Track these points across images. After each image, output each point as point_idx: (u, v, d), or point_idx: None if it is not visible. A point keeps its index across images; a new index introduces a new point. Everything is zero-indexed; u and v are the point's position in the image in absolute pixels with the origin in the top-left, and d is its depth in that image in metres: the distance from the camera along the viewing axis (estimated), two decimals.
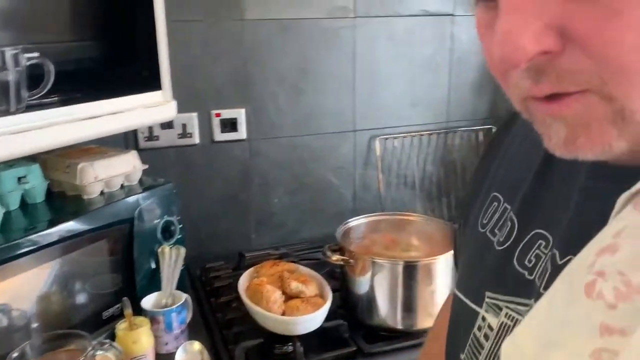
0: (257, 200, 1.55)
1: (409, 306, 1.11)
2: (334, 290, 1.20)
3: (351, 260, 1.12)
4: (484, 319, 0.49)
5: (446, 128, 1.71)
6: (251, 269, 1.20)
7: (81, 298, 1.03)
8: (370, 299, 1.12)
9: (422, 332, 1.11)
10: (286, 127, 1.53)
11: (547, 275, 0.43)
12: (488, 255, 0.51)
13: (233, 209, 1.53)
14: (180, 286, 1.16)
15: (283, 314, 1.07)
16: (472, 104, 1.71)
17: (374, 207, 1.64)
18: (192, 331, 1.12)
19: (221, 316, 1.18)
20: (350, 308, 1.17)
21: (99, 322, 1.05)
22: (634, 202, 0.33)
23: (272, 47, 1.45)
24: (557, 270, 0.40)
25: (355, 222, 1.25)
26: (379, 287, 1.11)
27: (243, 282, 1.15)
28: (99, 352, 0.90)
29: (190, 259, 1.46)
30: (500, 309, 0.47)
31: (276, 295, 1.07)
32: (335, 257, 1.13)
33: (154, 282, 1.13)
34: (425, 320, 1.11)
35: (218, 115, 1.45)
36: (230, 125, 1.46)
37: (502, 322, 0.46)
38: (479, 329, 0.49)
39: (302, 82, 1.51)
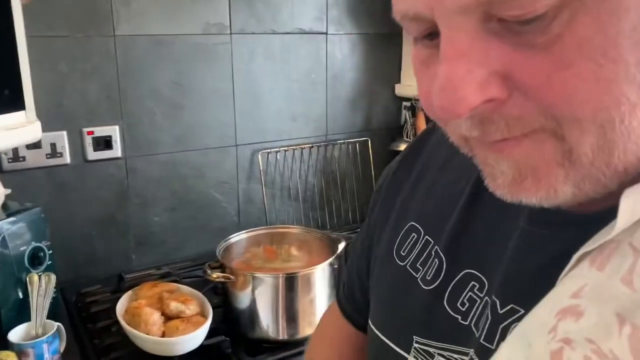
0: (136, 219, 1.51)
1: (291, 316, 1.14)
2: (217, 307, 1.21)
3: (232, 277, 1.13)
4: None
5: (325, 141, 1.77)
6: (130, 292, 1.17)
7: None
8: (252, 313, 1.14)
9: (304, 340, 1.15)
10: (164, 144, 1.51)
11: (487, 325, 0.40)
12: (413, 294, 0.47)
13: (111, 229, 1.48)
14: (54, 314, 1.11)
15: (163, 335, 1.05)
16: (349, 118, 1.79)
17: (258, 221, 1.67)
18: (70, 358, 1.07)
19: (99, 342, 1.13)
20: (232, 323, 1.18)
21: None
22: (589, 259, 0.31)
23: (146, 63, 1.43)
24: (498, 320, 0.39)
25: (236, 237, 1.26)
26: (260, 300, 1.13)
27: (121, 305, 1.12)
28: None
29: (66, 284, 1.41)
30: (433, 356, 0.44)
31: (155, 317, 1.06)
32: (215, 275, 1.13)
33: (23, 313, 1.06)
34: (306, 329, 1.15)
35: (90, 133, 1.39)
36: (104, 143, 1.42)
37: None
38: None
39: (180, 97, 1.50)
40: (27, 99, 1.05)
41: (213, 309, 1.21)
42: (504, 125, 0.31)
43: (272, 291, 1.12)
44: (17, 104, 1.04)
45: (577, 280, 0.30)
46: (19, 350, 0.99)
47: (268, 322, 1.14)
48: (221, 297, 1.21)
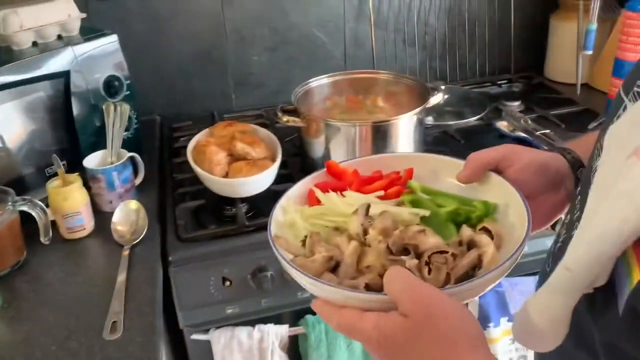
0: (234, 57, 1.43)
1: None
2: (295, 155, 1.13)
3: (302, 122, 1.02)
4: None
5: None
6: (206, 130, 1.12)
7: (22, 154, 1.00)
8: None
9: None
10: None
11: None
12: None
13: (208, 67, 1.43)
14: (135, 145, 1.11)
15: (226, 175, 1.00)
16: None
17: (366, 67, 1.49)
18: (144, 190, 1.09)
19: (177, 176, 1.13)
20: (306, 172, 1.09)
21: (42, 180, 1.02)
22: None
23: None
24: None
25: (317, 82, 1.12)
26: (334, 151, 1.01)
27: (193, 143, 1.08)
28: (21, 208, 0.88)
29: (164, 118, 1.42)
30: None
31: (219, 157, 1.00)
32: (286, 119, 1.03)
33: (101, 141, 1.07)
34: None
35: None
36: None
37: None
38: None
39: None
40: None
41: (291, 156, 1.14)
42: None
43: (346, 142, 0.99)
44: None
45: None
46: (91, 175, 1.01)
47: None
48: (297, 144, 1.12)
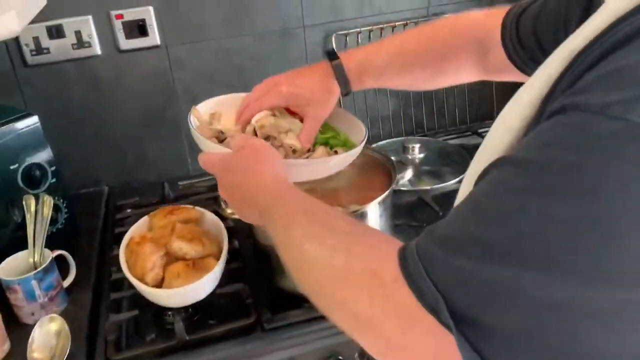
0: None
1: None
2: (249, 236, 0.99)
3: None
4: None
5: (427, 15, 1.35)
6: (145, 219, 0.98)
7: None
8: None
9: None
10: (212, 27, 1.23)
11: None
12: None
13: (158, 129, 1.29)
14: (62, 239, 0.97)
15: (162, 281, 0.86)
16: None
17: None
18: (76, 292, 0.95)
19: (115, 276, 0.98)
20: (259, 267, 0.95)
21: None
22: None
23: None
24: None
25: None
26: None
27: (127, 238, 0.93)
28: None
29: (114, 189, 1.29)
30: None
31: (154, 259, 0.86)
32: (230, 211, 0.89)
33: (25, 238, 0.93)
34: None
35: (119, 17, 1.15)
36: (137, 28, 1.17)
37: None
38: None
39: None
40: None
41: (246, 238, 1.00)
42: None
43: None
44: None
45: None
46: (6, 286, 0.87)
47: None
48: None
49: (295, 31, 1.28)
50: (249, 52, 1.27)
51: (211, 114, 0.87)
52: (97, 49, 1.17)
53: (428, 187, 1.14)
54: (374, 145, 1.32)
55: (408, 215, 1.10)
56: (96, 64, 1.19)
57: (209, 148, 0.74)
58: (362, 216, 0.84)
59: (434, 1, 1.33)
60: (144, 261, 0.86)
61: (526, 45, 0.68)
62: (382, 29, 1.31)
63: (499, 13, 0.73)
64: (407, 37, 0.83)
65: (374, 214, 0.86)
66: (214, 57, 1.25)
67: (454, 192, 1.14)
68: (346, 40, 1.30)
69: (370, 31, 1.31)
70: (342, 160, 0.78)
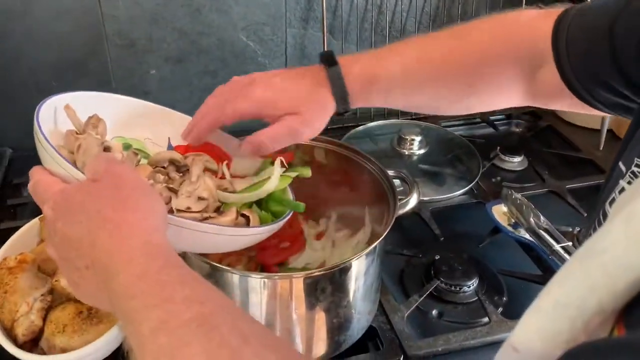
0: (119, 71, 0.99)
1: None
2: None
3: None
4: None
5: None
6: (35, 221, 0.69)
7: None
8: None
9: None
10: None
11: None
12: None
13: (80, 83, 0.98)
14: None
15: (39, 337, 0.59)
16: None
17: None
18: None
19: None
20: None
21: None
22: None
23: None
24: None
25: None
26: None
27: (1, 255, 0.65)
28: None
29: (17, 151, 1.00)
30: None
31: (30, 301, 0.59)
32: None
33: None
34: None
35: None
36: None
37: None
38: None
39: None
40: None
41: None
42: None
43: (247, 294, 0.59)
44: None
45: None
46: None
47: None
48: None
49: None
50: None
51: (89, 117, 0.56)
52: None
53: (427, 199, 0.88)
54: (361, 127, 1.05)
55: (398, 233, 0.84)
56: None
57: (55, 168, 0.46)
58: (341, 272, 0.57)
59: None
60: (15, 301, 0.58)
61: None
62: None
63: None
64: (430, 42, 0.58)
65: (361, 267, 0.59)
66: None
67: (458, 208, 0.90)
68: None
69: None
70: (257, 235, 0.54)
